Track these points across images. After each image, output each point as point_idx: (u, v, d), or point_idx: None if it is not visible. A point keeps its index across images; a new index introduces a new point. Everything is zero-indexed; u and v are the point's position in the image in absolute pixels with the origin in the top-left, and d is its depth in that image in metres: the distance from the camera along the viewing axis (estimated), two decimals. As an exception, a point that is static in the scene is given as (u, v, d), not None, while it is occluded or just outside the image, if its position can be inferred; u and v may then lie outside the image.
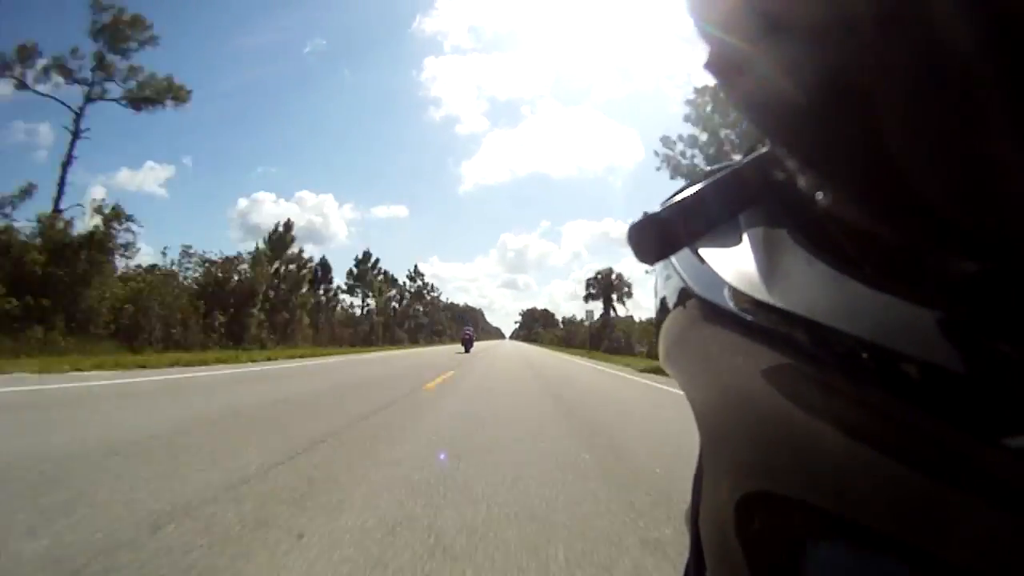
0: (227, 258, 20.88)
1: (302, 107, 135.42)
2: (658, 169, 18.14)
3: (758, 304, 0.25)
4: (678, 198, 0.28)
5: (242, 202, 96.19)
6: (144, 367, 9.19)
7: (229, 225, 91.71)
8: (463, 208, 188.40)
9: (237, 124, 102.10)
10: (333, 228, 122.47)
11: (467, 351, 22.42)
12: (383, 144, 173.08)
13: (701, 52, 0.22)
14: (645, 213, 0.29)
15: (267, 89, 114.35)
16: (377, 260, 46.42)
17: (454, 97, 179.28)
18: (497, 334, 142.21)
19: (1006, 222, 0.16)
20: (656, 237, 0.28)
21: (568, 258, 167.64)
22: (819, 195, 0.22)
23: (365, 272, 44.44)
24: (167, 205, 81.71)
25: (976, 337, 0.17)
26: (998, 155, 0.15)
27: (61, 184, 17.19)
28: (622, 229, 0.28)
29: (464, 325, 43.69)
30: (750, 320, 0.26)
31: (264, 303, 21.74)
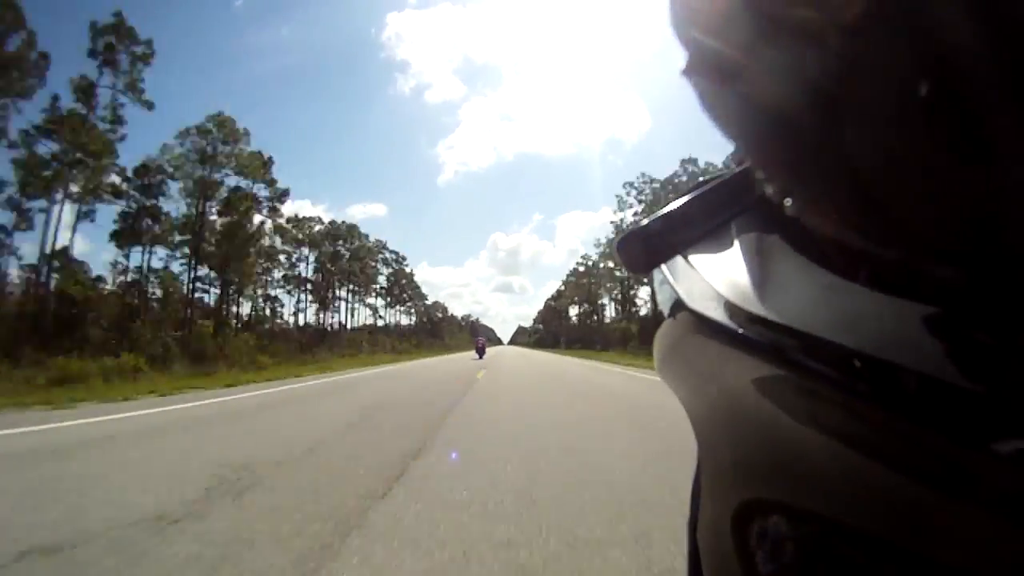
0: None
1: (243, 81, 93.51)
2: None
3: (750, 315, 0.25)
4: (668, 208, 0.29)
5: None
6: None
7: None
8: (446, 201, 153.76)
9: (173, 107, 69.27)
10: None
11: (480, 357, 27.40)
12: (347, 127, 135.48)
13: (681, 58, 0.22)
14: (633, 225, 0.29)
15: (196, 57, 77.51)
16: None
17: (424, 60, 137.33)
18: (495, 340, 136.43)
19: (999, 232, 0.16)
20: (645, 248, 0.28)
21: (564, 257, 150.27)
22: (787, 202, 0.22)
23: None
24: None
25: (969, 347, 0.17)
26: (986, 164, 0.15)
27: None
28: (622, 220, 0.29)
29: (476, 336, 45.53)
30: (742, 331, 0.25)
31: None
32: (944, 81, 0.15)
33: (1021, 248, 0.16)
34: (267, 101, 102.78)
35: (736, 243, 0.29)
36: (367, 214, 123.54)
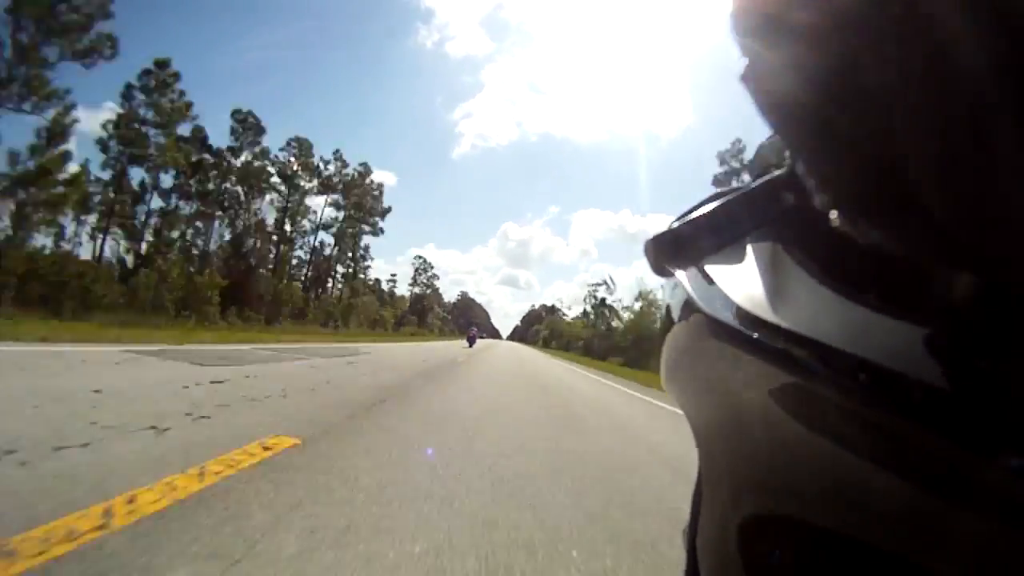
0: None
1: (255, 24, 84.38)
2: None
3: (763, 323, 0.25)
4: (692, 216, 0.29)
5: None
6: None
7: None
8: (460, 178, 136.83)
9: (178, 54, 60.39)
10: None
11: (471, 346, 24.81)
12: (364, 82, 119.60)
13: (740, 66, 0.22)
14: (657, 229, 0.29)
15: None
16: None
17: (449, 7, 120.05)
18: (493, 333, 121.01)
19: (1010, 245, 0.16)
20: (672, 251, 0.28)
21: (575, 256, 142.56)
22: (832, 215, 0.22)
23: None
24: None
25: (978, 358, 0.18)
26: (1007, 178, 0.16)
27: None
28: (642, 226, 0.26)
29: (468, 326, 42.72)
30: (755, 338, 0.26)
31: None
32: (996, 89, 0.15)
33: None
34: (274, 44, 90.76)
35: (751, 255, 0.30)
36: (378, 181, 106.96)
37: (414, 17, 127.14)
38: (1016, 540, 0.16)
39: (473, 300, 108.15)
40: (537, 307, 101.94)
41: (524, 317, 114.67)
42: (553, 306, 76.30)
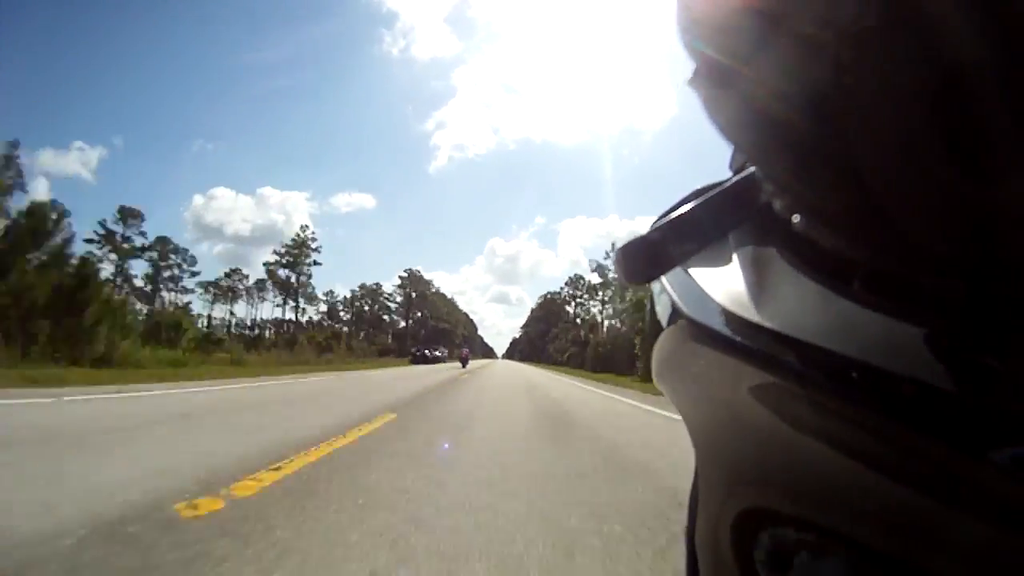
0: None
1: (208, 40, 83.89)
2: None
3: (748, 324, 0.25)
4: (669, 218, 0.29)
5: (197, 199, 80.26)
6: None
7: (185, 226, 77.11)
8: (441, 193, 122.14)
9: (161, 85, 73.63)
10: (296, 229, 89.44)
11: (464, 367, 25.51)
12: (331, 102, 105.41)
13: (688, 70, 0.22)
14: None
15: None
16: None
17: (412, 8, 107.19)
18: (486, 352, 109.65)
19: (998, 243, 0.16)
20: (646, 259, 0.28)
21: (566, 267, 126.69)
22: (796, 218, 0.22)
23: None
24: (99, 193, 68.58)
25: (961, 354, 0.18)
26: (988, 176, 0.16)
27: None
28: (631, 229, 0.26)
29: (461, 347, 42.45)
30: (740, 340, 0.26)
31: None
32: (947, 93, 0.15)
33: (1020, 259, 0.17)
34: (238, 66, 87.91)
35: (735, 254, 0.30)
36: (353, 205, 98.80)
37: (377, 23, 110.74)
38: (993, 531, 0.16)
39: (428, 283, 69.53)
40: (558, 291, 64.60)
41: (532, 313, 77.40)
42: (580, 277, 53.10)
